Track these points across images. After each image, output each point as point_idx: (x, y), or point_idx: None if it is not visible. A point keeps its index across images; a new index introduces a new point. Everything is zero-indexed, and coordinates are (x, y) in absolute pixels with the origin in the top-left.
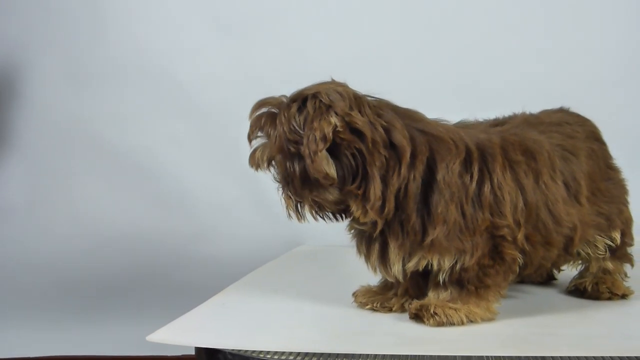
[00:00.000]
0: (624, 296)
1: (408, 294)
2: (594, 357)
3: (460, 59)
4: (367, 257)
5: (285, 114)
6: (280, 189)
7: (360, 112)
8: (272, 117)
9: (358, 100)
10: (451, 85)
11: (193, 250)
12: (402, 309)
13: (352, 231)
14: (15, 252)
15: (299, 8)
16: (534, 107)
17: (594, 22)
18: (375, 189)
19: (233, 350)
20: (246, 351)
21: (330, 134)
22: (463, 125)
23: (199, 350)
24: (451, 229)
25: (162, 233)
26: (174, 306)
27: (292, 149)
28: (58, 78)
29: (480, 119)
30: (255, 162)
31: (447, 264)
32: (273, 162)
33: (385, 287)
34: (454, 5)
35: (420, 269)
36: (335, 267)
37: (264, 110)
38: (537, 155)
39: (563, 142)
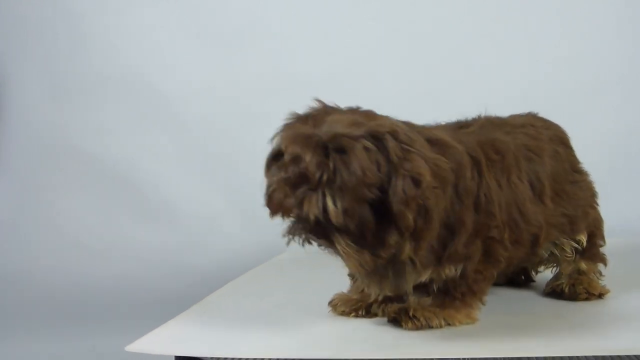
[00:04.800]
0: (600, 296)
1: (389, 298)
2: (569, 357)
3: (442, 68)
4: (380, 279)
5: (359, 151)
6: (337, 239)
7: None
8: (340, 155)
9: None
10: (437, 94)
11: (175, 260)
12: (384, 314)
13: None
14: None
15: (282, 21)
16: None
17: (578, 28)
18: (434, 227)
19: (213, 358)
20: (226, 359)
21: (431, 182)
22: (431, 129)
23: (179, 359)
24: (464, 237)
25: (144, 244)
26: (157, 317)
27: (370, 195)
28: (39, 92)
29: (442, 122)
30: (317, 210)
31: (453, 271)
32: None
33: (364, 293)
34: (436, 16)
35: (427, 280)
36: (317, 275)
37: (318, 146)
38: (505, 155)
39: (527, 142)
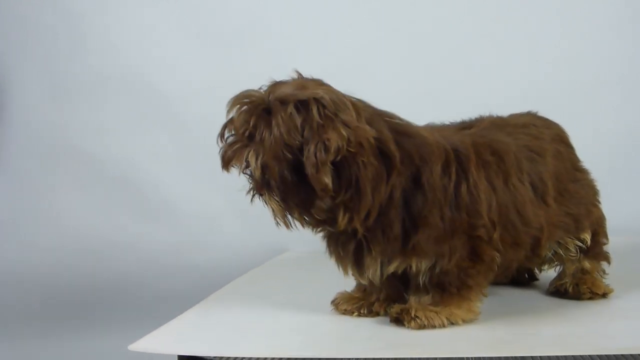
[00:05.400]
0: (604, 295)
1: (390, 298)
2: (572, 356)
3: (442, 68)
4: (340, 260)
5: (283, 116)
6: (265, 194)
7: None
8: (266, 116)
9: (356, 109)
10: (436, 94)
11: (176, 260)
12: (386, 313)
13: (324, 233)
14: None
15: (282, 20)
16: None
17: (578, 28)
18: (367, 201)
19: (216, 357)
20: (229, 358)
21: (344, 147)
22: (431, 128)
23: (182, 358)
24: (432, 233)
25: (145, 243)
26: (158, 316)
27: (288, 155)
28: (39, 92)
29: (447, 122)
30: (242, 163)
31: (424, 266)
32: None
33: (366, 292)
34: (436, 16)
35: (399, 272)
36: (319, 274)
37: (250, 106)
38: (504, 157)
39: (529, 143)
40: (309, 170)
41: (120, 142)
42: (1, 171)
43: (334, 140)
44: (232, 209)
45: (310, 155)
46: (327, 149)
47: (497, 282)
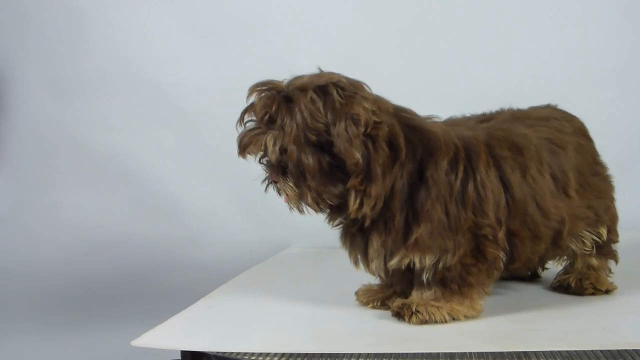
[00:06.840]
0: (607, 292)
1: (404, 294)
2: (575, 351)
3: (445, 60)
4: (351, 252)
5: (305, 101)
6: (280, 181)
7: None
8: (287, 103)
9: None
10: (437, 86)
11: (180, 256)
12: None
13: (339, 225)
14: (1, 262)
15: (282, 14)
16: (519, 106)
17: (577, 21)
18: (377, 186)
19: (218, 352)
20: (231, 353)
21: (371, 119)
22: (452, 122)
23: (184, 353)
24: (435, 228)
25: (148, 239)
26: (161, 311)
27: (313, 138)
28: (42, 88)
29: (468, 114)
30: (259, 149)
31: (428, 262)
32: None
33: (385, 286)
34: (439, 7)
35: (403, 267)
36: (323, 269)
37: (271, 92)
38: (524, 150)
39: (551, 135)
40: (342, 146)
41: (123, 138)
42: (4, 167)
43: (362, 113)
44: (236, 205)
45: (341, 131)
46: (357, 123)
47: (518, 276)
